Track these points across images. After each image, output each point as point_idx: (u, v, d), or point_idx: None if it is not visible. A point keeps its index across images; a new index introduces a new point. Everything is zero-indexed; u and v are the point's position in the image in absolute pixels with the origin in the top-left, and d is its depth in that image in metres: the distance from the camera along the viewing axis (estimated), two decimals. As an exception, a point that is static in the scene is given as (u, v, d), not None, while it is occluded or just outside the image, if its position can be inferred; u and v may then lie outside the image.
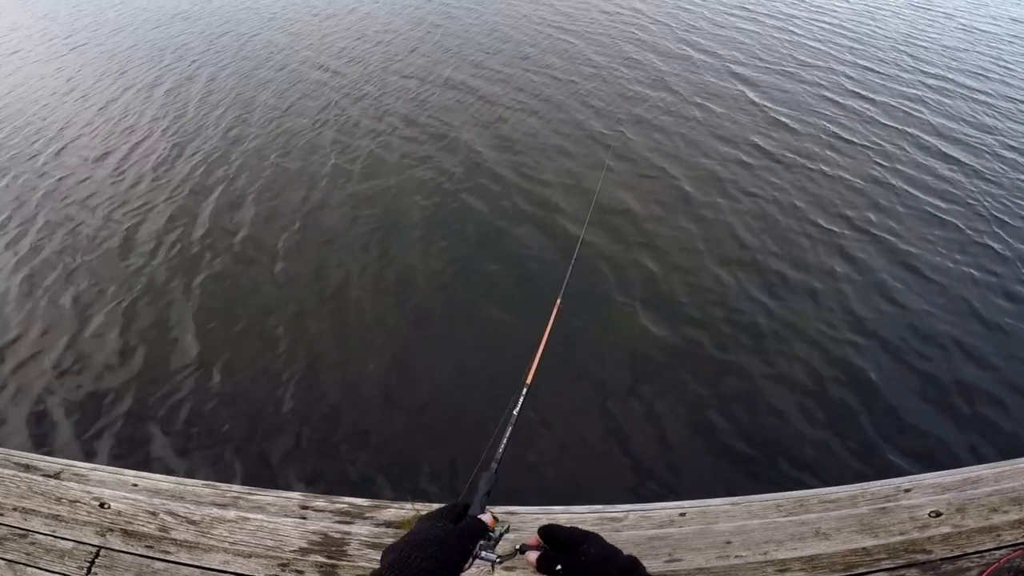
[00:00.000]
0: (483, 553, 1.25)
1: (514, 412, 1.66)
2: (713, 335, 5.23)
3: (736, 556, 2.19)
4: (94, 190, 7.88)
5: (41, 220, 7.37)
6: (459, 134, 8.58)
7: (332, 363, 5.23)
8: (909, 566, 2.01)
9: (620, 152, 7.83)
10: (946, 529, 2.11)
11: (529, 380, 1.79)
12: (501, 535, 1.30)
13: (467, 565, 1.22)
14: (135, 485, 2.47)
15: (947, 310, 5.41)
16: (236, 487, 2.51)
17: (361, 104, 9.74)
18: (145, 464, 4.34)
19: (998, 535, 2.06)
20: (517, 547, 1.26)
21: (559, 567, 1.17)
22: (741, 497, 2.46)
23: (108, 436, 4.68)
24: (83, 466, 2.56)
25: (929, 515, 2.17)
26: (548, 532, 1.23)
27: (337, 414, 4.80)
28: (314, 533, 2.31)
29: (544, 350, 1.90)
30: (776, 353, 5.05)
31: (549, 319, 2.05)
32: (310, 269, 6.25)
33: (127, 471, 2.55)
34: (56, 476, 2.53)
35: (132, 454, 4.51)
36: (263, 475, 4.31)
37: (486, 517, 1.30)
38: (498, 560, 1.26)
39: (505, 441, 1.56)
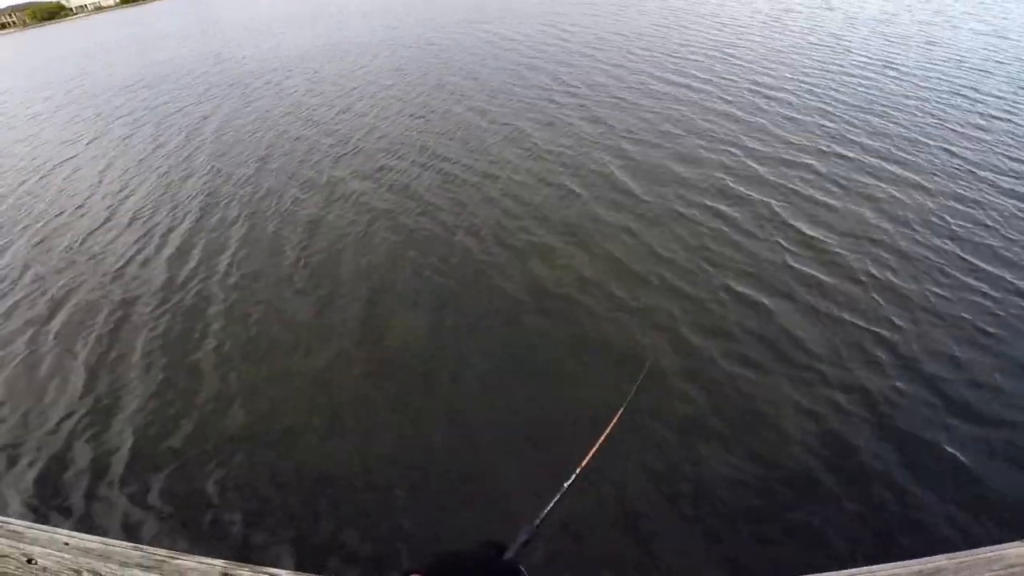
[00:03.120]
0: None
1: (565, 484, 1.78)
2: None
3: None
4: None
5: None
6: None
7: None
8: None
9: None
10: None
11: (584, 464, 1.93)
12: None
13: None
14: (66, 543, 2.50)
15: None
16: (161, 551, 2.50)
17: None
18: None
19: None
20: None
21: None
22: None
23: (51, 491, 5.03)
24: (20, 524, 2.64)
25: (872, 605, 1.91)
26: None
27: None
28: (231, 606, 2.26)
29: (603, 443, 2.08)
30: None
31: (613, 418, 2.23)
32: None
33: (60, 530, 2.61)
34: (-7, 535, 2.61)
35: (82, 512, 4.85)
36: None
37: None
38: None
39: (551, 506, 1.67)
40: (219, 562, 2.47)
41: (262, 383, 6.06)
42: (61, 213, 11.30)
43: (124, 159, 13.61)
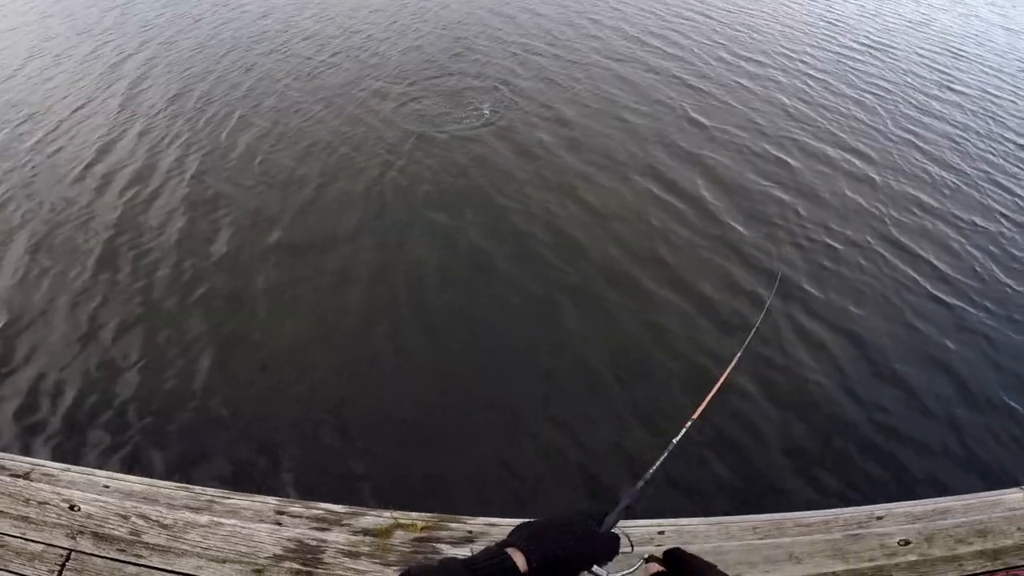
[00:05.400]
0: (596, 568, 1.22)
1: (674, 440, 1.65)
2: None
3: (709, 577, 2.21)
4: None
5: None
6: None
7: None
8: (876, 593, 2.06)
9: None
10: (913, 557, 2.16)
11: (696, 415, 1.84)
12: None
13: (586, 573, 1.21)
14: (106, 487, 2.42)
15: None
16: (210, 490, 2.48)
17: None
18: (118, 464, 4.22)
19: (960, 565, 2.12)
20: (644, 558, 1.25)
21: None
22: (720, 518, 2.49)
23: (77, 434, 4.52)
24: (53, 466, 2.51)
25: (899, 543, 2.22)
26: (670, 554, 1.23)
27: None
28: (289, 540, 2.28)
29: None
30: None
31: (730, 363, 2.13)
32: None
33: (98, 472, 2.51)
34: (25, 476, 2.46)
35: (106, 453, 4.37)
36: (249, 475, 4.23)
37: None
38: None
39: (658, 464, 1.54)
40: (272, 499, 2.48)
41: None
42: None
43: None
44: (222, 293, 5.73)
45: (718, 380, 2.04)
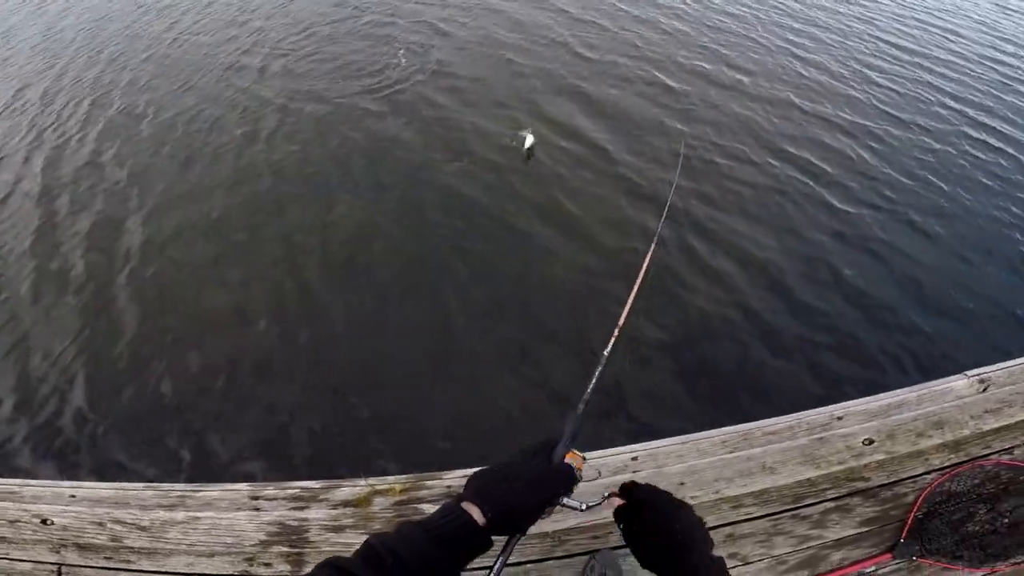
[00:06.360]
0: (565, 500, 1.27)
1: (604, 353, 1.66)
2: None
3: (690, 497, 2.31)
4: None
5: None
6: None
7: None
8: (852, 494, 2.19)
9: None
10: (880, 456, 2.29)
11: (621, 323, 1.79)
12: (579, 478, 1.31)
13: (551, 510, 1.24)
14: (73, 496, 2.33)
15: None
16: (179, 486, 2.41)
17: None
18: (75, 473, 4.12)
19: (926, 459, 2.26)
20: (606, 494, 1.31)
21: (621, 526, 1.23)
22: (688, 436, 2.56)
23: (27, 446, 4.37)
24: (11, 483, 2.39)
25: (863, 443, 2.35)
26: (624, 487, 1.29)
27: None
28: (270, 524, 2.26)
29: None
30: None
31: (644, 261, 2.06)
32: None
33: (61, 483, 2.40)
34: (-14, 497, 2.35)
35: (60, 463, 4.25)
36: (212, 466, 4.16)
37: (574, 460, 1.31)
38: (584, 508, 1.30)
39: (593, 383, 1.55)
40: (244, 485, 2.44)
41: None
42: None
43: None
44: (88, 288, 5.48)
45: (628, 301, 2.04)
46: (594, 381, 1.57)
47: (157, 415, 4.48)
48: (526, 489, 1.16)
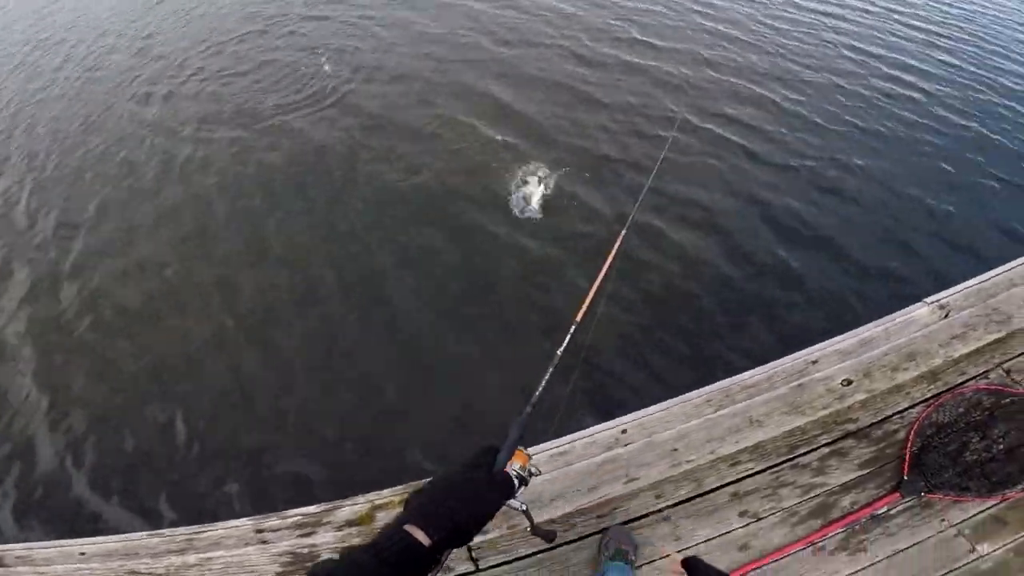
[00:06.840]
0: (511, 502, 1.28)
1: (558, 352, 1.63)
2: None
3: (687, 461, 2.33)
4: None
5: None
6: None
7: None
8: (844, 437, 2.26)
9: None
10: (861, 396, 2.37)
11: (578, 318, 1.74)
12: (531, 475, 1.33)
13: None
14: (83, 554, 2.24)
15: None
16: (180, 529, 2.32)
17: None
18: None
19: (907, 393, 2.35)
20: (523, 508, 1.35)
21: None
22: (671, 400, 2.58)
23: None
24: (17, 548, 2.28)
25: (842, 384, 2.42)
26: (688, 565, 1.32)
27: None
28: (281, 554, 2.20)
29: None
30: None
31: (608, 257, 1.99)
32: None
33: (67, 541, 2.28)
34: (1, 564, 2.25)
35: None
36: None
37: (519, 459, 1.32)
38: (524, 508, 1.33)
39: (544, 383, 1.52)
40: (245, 521, 2.35)
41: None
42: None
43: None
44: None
45: (595, 280, 1.99)
46: (544, 382, 1.54)
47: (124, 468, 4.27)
48: (467, 506, 1.14)
